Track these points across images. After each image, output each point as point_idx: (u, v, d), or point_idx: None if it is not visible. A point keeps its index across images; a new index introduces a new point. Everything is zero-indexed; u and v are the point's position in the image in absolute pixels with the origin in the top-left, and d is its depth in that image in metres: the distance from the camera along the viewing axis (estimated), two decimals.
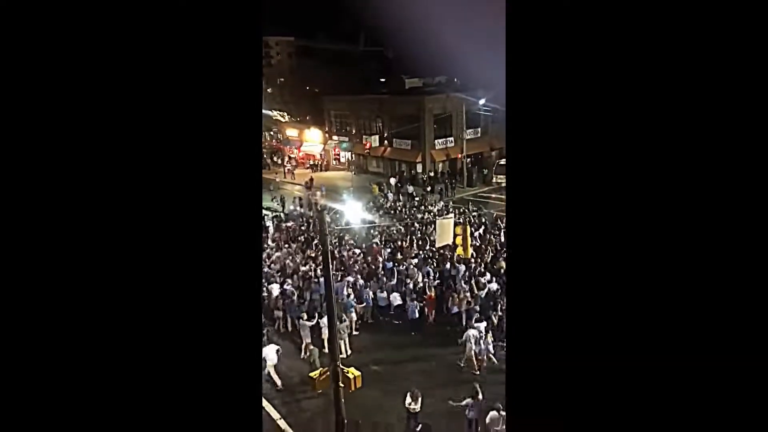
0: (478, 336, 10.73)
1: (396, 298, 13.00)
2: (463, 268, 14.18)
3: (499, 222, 19.23)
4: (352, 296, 12.96)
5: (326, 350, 10.76)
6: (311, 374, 9.38)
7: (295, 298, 13.14)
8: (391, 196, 25.70)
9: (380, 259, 15.61)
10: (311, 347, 10.79)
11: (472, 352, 10.60)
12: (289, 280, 14.03)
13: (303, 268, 14.98)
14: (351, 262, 15.60)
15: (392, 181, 29.59)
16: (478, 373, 10.55)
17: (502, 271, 14.05)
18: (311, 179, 29.13)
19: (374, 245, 17.14)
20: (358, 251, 16.58)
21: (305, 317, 11.75)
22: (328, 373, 8.27)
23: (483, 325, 11.09)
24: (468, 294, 12.76)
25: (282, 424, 9.49)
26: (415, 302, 12.51)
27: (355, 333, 12.42)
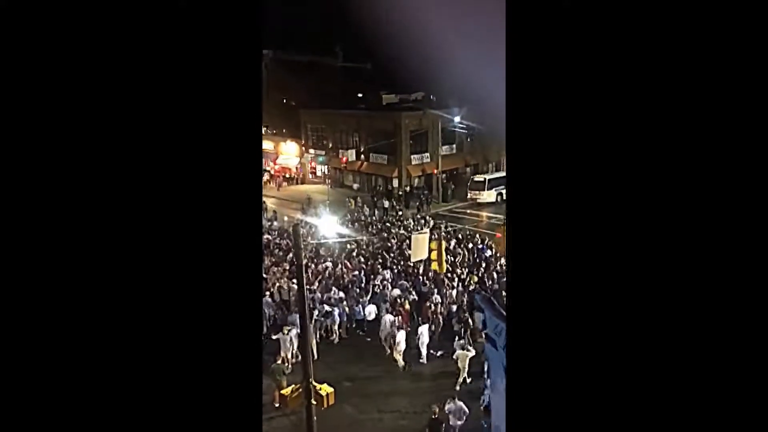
0: (393, 322, 11.65)
1: (371, 313, 12.92)
2: (435, 284, 14.22)
3: (476, 237, 19.43)
4: (326, 310, 12.85)
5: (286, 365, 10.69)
6: (283, 391, 9.21)
7: (271, 311, 12.96)
8: (367, 210, 25.71)
9: (355, 274, 15.53)
10: (275, 364, 10.57)
11: (401, 350, 11.33)
12: (267, 293, 13.84)
13: (278, 283, 14.77)
14: (326, 276, 15.48)
15: (355, 186, 29.55)
16: (388, 352, 11.52)
17: (474, 286, 14.16)
18: (309, 198, 27.74)
19: (349, 259, 17.06)
20: (332, 265, 16.47)
21: (285, 331, 11.61)
22: (300, 390, 8.12)
23: (425, 327, 11.66)
24: (440, 307, 12.80)
25: None
26: (390, 315, 12.44)
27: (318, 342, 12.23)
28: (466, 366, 10.55)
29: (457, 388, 10.17)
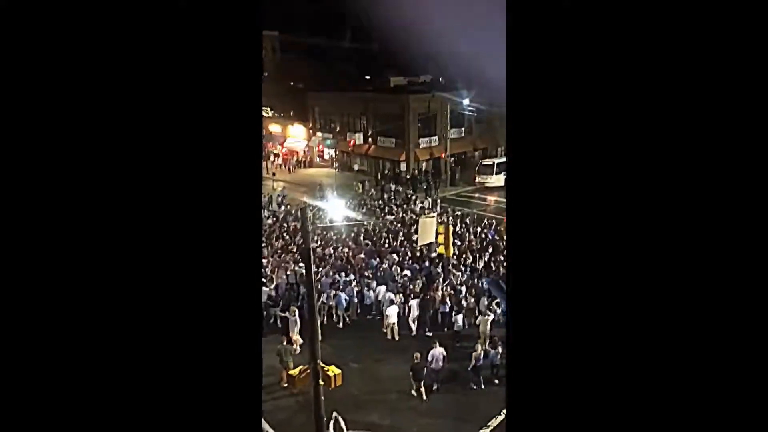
0: (399, 310, 12.30)
1: (379, 293, 13.10)
2: (442, 266, 14.27)
3: (484, 221, 19.39)
4: (333, 293, 12.95)
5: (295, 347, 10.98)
6: (291, 372, 9.34)
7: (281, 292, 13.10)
8: (374, 194, 25.70)
9: (363, 257, 15.58)
10: (281, 345, 10.71)
11: (392, 323, 12.15)
12: (273, 276, 13.95)
13: (285, 265, 14.87)
14: (333, 260, 15.54)
15: (355, 167, 29.87)
16: (398, 339, 12.15)
17: (482, 268, 14.16)
18: (320, 184, 27.50)
19: (357, 243, 17.10)
20: (340, 248, 16.53)
21: (292, 312, 11.76)
22: (308, 371, 8.21)
23: (416, 303, 12.41)
24: (448, 291, 12.86)
25: (262, 422, 9.40)
26: (391, 293, 12.79)
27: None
28: (487, 330, 11.30)
29: (478, 348, 10.46)
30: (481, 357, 10.22)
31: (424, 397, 9.91)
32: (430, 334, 12.06)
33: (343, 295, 12.98)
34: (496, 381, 10.22)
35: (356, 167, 33.06)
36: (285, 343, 10.75)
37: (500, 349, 10.31)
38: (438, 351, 10.23)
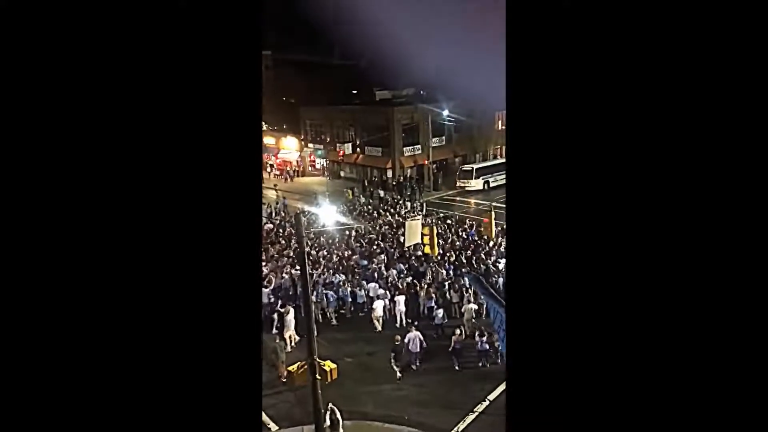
0: (386, 305, 12.68)
1: (370, 290, 13.17)
2: (428, 264, 14.36)
3: (465, 222, 19.51)
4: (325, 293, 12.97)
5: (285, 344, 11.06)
6: (290, 368, 9.35)
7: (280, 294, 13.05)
8: (363, 199, 25.70)
9: (355, 258, 15.60)
10: (276, 342, 10.73)
11: (379, 316, 12.48)
12: (273, 278, 13.92)
13: (283, 268, 14.82)
14: (326, 261, 15.54)
15: (341, 173, 29.71)
16: (383, 330, 12.31)
17: (464, 267, 14.27)
18: (315, 194, 27.71)
19: (349, 245, 17.11)
20: (333, 251, 16.52)
21: (291, 312, 11.78)
22: (306, 366, 8.22)
23: (402, 298, 12.66)
24: (433, 287, 12.96)
25: (263, 416, 9.37)
26: (381, 290, 12.97)
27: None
28: (471, 318, 11.91)
29: (457, 332, 10.99)
30: (461, 341, 10.70)
31: (399, 376, 10.28)
32: (416, 323, 12.13)
33: (330, 294, 13.00)
34: (480, 365, 10.49)
35: (343, 174, 33.19)
36: (278, 341, 10.80)
37: (486, 338, 10.60)
38: (414, 334, 10.57)
